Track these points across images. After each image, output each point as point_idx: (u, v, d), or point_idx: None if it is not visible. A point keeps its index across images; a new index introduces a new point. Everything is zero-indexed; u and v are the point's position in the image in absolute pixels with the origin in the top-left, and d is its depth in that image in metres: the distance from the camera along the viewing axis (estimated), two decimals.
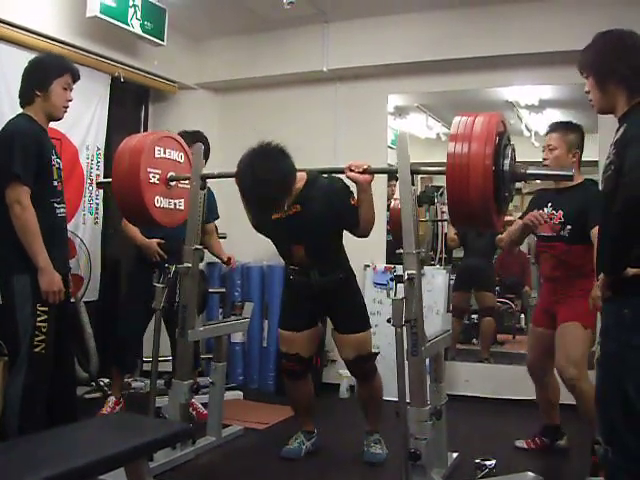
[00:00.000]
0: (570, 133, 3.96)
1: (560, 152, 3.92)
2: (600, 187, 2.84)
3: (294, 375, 4.09)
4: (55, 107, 3.70)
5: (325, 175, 3.88)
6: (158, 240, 4.71)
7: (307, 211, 3.74)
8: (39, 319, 3.48)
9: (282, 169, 3.48)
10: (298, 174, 3.66)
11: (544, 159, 3.98)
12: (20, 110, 3.69)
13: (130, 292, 5.04)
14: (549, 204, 3.97)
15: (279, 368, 4.27)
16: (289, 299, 4.19)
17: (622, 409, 2.41)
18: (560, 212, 3.91)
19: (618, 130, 2.55)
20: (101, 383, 5.33)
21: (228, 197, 4.46)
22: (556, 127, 4.03)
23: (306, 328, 4.04)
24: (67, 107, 3.78)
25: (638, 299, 2.41)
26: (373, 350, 4.06)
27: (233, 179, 3.80)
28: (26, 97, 3.68)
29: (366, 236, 3.83)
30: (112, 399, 4.83)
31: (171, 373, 4.20)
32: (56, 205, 3.65)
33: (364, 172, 3.53)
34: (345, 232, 3.91)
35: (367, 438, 4.14)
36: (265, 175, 3.38)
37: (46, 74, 3.67)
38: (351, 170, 3.53)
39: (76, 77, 3.80)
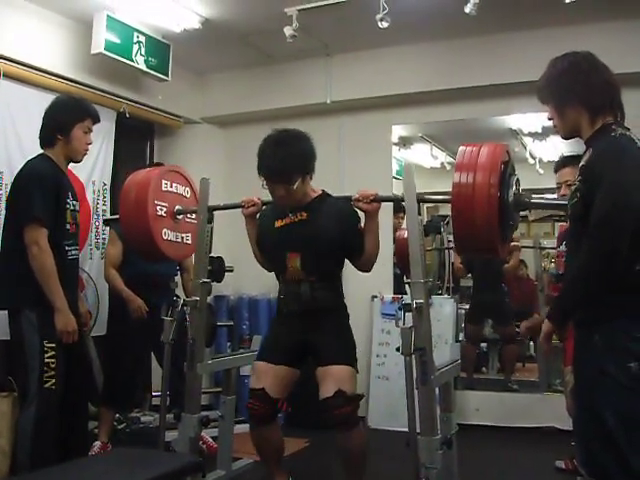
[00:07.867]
0: None
1: None
2: None
3: (257, 419, 3.65)
4: (76, 151, 3.78)
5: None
6: (143, 305, 4.65)
7: (313, 220, 3.68)
8: (47, 355, 3.50)
9: (303, 142, 3.64)
10: (315, 188, 3.74)
11: (562, 196, 3.83)
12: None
13: (118, 331, 4.85)
14: (564, 242, 3.90)
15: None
16: (274, 326, 3.96)
17: (601, 438, 2.32)
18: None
19: (584, 154, 2.53)
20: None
21: (235, 230, 4.47)
22: (568, 161, 3.89)
23: (283, 363, 3.66)
24: (87, 150, 3.85)
25: (608, 325, 2.36)
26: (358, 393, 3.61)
27: (240, 211, 3.82)
28: (47, 140, 3.73)
29: (368, 270, 3.72)
30: (98, 444, 4.57)
31: (175, 406, 4.15)
32: (67, 247, 3.68)
33: (372, 201, 3.52)
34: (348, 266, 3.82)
35: None
36: (286, 141, 3.57)
37: (68, 118, 3.73)
38: (359, 201, 3.52)
39: (96, 120, 3.87)
